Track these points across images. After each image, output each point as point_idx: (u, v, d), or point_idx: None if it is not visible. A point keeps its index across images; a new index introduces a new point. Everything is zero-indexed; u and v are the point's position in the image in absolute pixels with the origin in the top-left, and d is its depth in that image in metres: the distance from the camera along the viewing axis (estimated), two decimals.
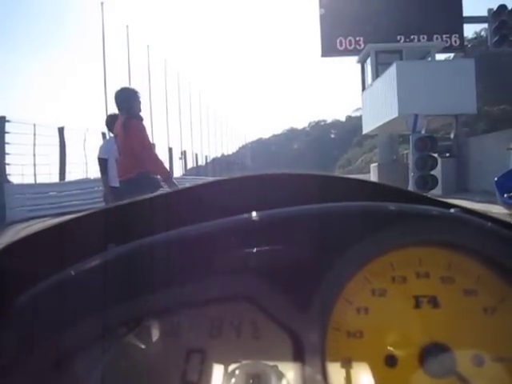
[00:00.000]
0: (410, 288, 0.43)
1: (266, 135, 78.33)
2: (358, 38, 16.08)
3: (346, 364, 0.41)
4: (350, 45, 16.38)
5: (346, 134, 65.84)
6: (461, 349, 0.41)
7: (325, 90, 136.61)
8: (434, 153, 12.06)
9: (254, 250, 0.42)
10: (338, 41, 16.29)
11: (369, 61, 15.64)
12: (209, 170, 32.88)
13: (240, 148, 68.13)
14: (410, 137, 12.25)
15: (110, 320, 0.40)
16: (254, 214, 0.43)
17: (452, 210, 0.45)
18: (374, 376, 0.41)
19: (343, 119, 74.22)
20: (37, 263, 0.41)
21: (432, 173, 11.88)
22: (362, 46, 15.69)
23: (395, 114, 13.20)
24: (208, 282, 0.41)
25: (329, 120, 75.98)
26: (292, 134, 77.93)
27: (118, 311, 0.40)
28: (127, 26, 20.45)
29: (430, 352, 0.41)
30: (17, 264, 0.42)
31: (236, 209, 0.44)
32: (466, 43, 16.85)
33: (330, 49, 16.56)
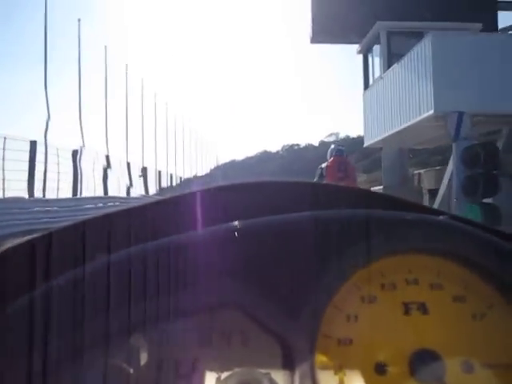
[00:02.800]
0: (400, 295, 0.47)
1: (240, 157, 76.63)
2: (360, 17, 11.62)
3: (336, 371, 0.45)
4: (349, 26, 11.66)
5: (319, 159, 64.53)
6: (450, 355, 0.45)
7: (298, 114, 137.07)
8: (493, 170, 8.22)
9: (244, 258, 0.46)
10: (332, 20, 11.81)
11: (376, 48, 11.78)
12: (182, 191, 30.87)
13: (212, 169, 65.80)
14: (454, 146, 8.86)
15: (97, 331, 0.43)
16: (243, 221, 0.47)
17: (441, 217, 0.49)
18: (364, 383, 0.45)
19: (316, 144, 73.13)
20: (21, 274, 0.44)
21: (487, 200, 8.19)
22: (366, 27, 11.49)
23: (427, 112, 9.26)
24: (197, 291, 0.45)
25: (302, 144, 74.87)
26: (266, 157, 76.32)
27: (105, 322, 0.43)
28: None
29: (420, 359, 0.45)
30: (2, 274, 0.45)
31: (225, 217, 0.48)
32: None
33: (321, 32, 12.23)
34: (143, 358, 0.44)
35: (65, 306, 0.42)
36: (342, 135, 77.59)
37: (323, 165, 6.07)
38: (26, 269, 0.44)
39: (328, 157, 5.77)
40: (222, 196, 0.52)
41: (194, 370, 0.44)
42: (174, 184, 36.02)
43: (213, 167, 69.35)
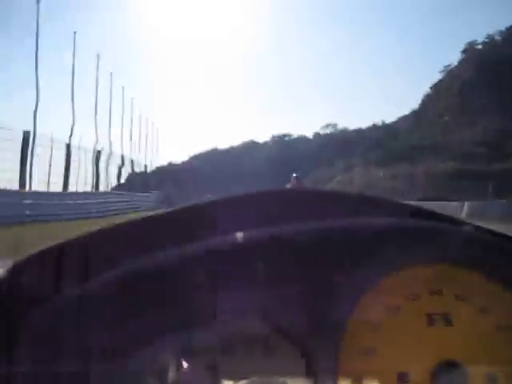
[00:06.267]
0: (423, 305, 0.47)
1: (222, 146, 71.01)
2: None
3: (359, 380, 0.45)
4: None
5: (312, 152, 58.74)
6: (474, 367, 0.45)
7: (291, 101, 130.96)
8: None
9: (268, 267, 0.46)
10: None
11: None
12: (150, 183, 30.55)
13: (191, 158, 60.21)
14: None
15: (119, 339, 0.43)
16: (266, 231, 0.47)
17: (465, 228, 0.49)
18: None
19: (310, 136, 67.79)
20: (42, 282, 0.45)
21: None
22: None
23: None
24: (221, 299, 0.45)
25: (294, 135, 69.45)
26: (252, 148, 70.74)
27: (128, 329, 0.44)
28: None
29: (443, 370, 0.45)
30: (27, 281, 0.46)
31: (246, 226, 0.48)
32: None
33: None
34: (166, 364, 0.44)
35: (85, 317, 0.43)
36: (339, 126, 72.95)
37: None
38: (43, 278, 0.44)
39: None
40: (240, 205, 0.52)
41: (216, 378, 0.44)
42: (148, 171, 34.04)
43: (192, 155, 64.22)
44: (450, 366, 0.44)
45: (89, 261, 0.45)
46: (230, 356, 0.45)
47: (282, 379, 0.44)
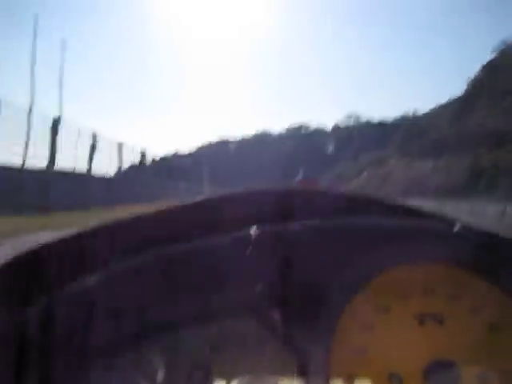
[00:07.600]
0: (415, 305, 0.47)
1: (234, 133, 65.35)
2: None
3: (350, 380, 0.45)
4: None
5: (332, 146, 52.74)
6: (466, 366, 0.46)
7: (311, 88, 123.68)
8: None
9: (259, 266, 0.47)
10: None
11: None
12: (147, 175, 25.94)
13: (199, 148, 54.74)
14: None
15: (114, 333, 0.44)
16: (258, 229, 0.48)
17: (456, 228, 0.50)
18: None
19: (329, 128, 61.61)
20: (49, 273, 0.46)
21: None
22: None
23: None
24: (214, 297, 0.46)
25: (312, 126, 63.33)
26: (264, 140, 64.68)
27: (122, 325, 0.44)
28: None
29: (435, 369, 0.45)
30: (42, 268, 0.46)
31: (240, 224, 0.48)
32: None
33: None
34: (159, 362, 0.45)
35: (78, 313, 0.43)
36: (362, 119, 66.73)
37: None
38: (40, 274, 0.45)
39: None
40: (236, 204, 0.52)
41: (207, 376, 0.44)
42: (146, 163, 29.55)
43: (200, 145, 58.75)
44: (442, 365, 0.44)
45: (92, 254, 0.45)
46: (222, 355, 0.45)
47: (274, 378, 0.44)
